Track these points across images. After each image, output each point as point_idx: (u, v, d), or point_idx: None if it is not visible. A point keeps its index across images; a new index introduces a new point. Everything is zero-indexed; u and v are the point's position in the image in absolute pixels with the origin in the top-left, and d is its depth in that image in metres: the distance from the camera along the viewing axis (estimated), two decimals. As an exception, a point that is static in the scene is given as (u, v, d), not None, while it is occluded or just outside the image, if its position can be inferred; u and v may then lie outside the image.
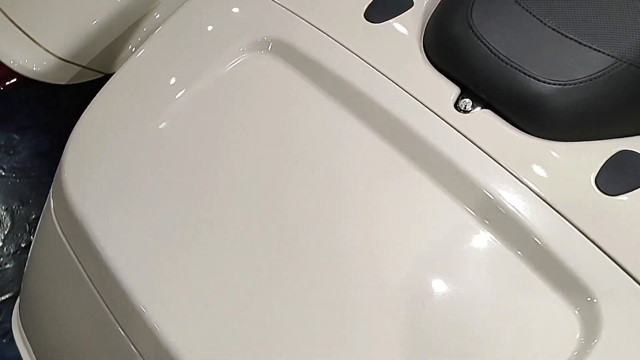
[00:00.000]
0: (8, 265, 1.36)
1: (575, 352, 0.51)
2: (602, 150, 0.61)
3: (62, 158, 0.69)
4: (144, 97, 0.70)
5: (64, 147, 1.45)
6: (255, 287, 0.58)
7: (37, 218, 1.42)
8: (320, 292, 0.57)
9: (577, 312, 0.53)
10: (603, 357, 0.51)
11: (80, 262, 0.66)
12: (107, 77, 0.91)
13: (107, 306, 0.62)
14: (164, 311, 0.57)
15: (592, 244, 0.55)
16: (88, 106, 0.71)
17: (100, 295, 0.63)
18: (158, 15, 0.90)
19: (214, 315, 0.57)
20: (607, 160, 0.60)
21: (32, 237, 1.38)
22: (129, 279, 0.60)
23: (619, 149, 0.61)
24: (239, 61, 0.70)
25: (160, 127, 0.68)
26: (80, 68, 0.87)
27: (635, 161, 0.60)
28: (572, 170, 0.59)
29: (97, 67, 0.89)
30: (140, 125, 0.68)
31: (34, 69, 0.84)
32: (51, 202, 0.71)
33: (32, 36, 0.84)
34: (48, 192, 1.43)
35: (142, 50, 0.73)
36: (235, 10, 0.74)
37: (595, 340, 0.51)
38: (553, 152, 0.60)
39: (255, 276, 0.58)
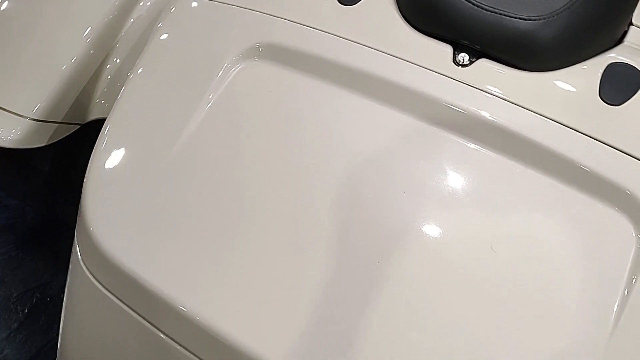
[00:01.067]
0: (6, 351, 1.29)
1: (639, 247, 0.57)
2: (594, 68, 0.66)
3: (82, 211, 0.68)
4: (151, 128, 0.70)
5: (22, 216, 1.39)
6: (317, 286, 0.60)
7: (20, 295, 1.36)
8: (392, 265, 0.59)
9: (627, 216, 0.58)
10: None
11: (134, 310, 0.65)
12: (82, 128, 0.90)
13: (181, 346, 0.62)
14: (244, 329, 0.58)
15: (619, 152, 0.60)
16: (93, 152, 0.70)
17: (169, 337, 0.63)
18: (118, 60, 0.89)
19: (292, 323, 0.58)
20: (601, 76, 0.65)
21: (20, 315, 1.32)
22: (199, 310, 0.60)
23: (607, 63, 0.66)
24: (234, 74, 0.71)
25: (175, 153, 0.68)
26: (57, 125, 0.85)
27: (623, 69, 0.66)
28: (578, 92, 0.64)
29: (72, 119, 0.87)
30: (155, 156, 0.68)
31: (11, 137, 0.81)
32: (80, 262, 0.70)
33: (1, 105, 0.81)
34: (20, 266, 1.37)
35: (132, 85, 0.73)
36: (215, 26, 0.74)
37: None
38: (555, 81, 0.65)
39: (311, 275, 0.60)
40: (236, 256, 0.62)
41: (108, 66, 0.89)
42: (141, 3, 0.90)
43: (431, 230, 0.60)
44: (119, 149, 0.70)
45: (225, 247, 0.62)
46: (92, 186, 0.69)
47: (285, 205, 0.64)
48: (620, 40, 0.71)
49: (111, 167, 0.69)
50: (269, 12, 0.73)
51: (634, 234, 0.57)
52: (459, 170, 0.63)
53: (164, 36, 0.76)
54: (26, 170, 1.00)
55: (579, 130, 0.61)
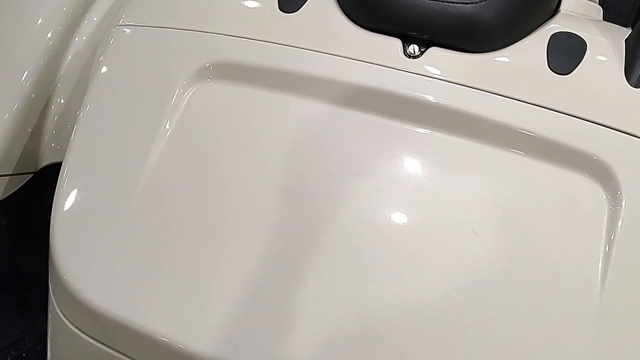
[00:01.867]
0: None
1: (611, 207, 0.58)
2: (538, 41, 0.68)
3: (53, 260, 0.65)
4: (112, 166, 0.68)
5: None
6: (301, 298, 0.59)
7: (-8, 355, 1.31)
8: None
9: (596, 180, 0.60)
10: (632, 198, 0.58)
11: (121, 352, 0.64)
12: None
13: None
14: (229, 351, 0.58)
15: (580, 119, 0.62)
16: (55, 198, 0.67)
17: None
18: (62, 100, 0.86)
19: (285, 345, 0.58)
20: (547, 48, 0.67)
21: (-4, 376, 1.26)
22: (192, 342, 0.59)
23: (550, 34, 0.68)
24: (187, 98, 0.69)
25: (140, 188, 0.66)
26: (8, 177, 0.82)
27: (566, 38, 0.68)
28: (529, 67, 0.66)
29: (23, 169, 0.83)
30: (119, 193, 0.66)
31: (-38, 198, 0.77)
32: (59, 312, 0.67)
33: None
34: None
35: (84, 124, 0.71)
36: (159, 52, 0.73)
37: (619, 192, 0.58)
38: (505, 59, 0.66)
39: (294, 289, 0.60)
40: (216, 282, 0.61)
41: (53, 107, 0.86)
42: (76, 39, 0.87)
43: (414, 225, 0.61)
44: (82, 191, 0.68)
45: (203, 275, 0.61)
46: (59, 233, 0.66)
47: (261, 225, 0.63)
48: (556, 10, 0.74)
49: (76, 211, 0.67)
50: (212, 31, 0.72)
51: (604, 197, 0.59)
52: (429, 161, 0.63)
53: (108, 70, 0.74)
54: None
55: (537, 103, 0.63)
